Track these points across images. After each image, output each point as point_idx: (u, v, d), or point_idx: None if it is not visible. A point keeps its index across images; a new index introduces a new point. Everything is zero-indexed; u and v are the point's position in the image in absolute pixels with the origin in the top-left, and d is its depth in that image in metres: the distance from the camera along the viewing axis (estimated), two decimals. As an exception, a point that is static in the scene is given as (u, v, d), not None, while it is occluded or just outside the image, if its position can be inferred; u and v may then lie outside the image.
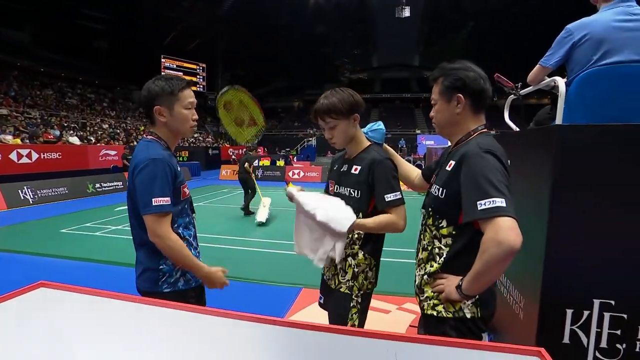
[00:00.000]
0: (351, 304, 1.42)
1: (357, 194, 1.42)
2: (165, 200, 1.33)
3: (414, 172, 1.61)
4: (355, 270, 1.42)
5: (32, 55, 20.39)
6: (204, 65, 29.96)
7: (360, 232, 1.40)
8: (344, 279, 1.44)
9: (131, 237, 1.50)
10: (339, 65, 33.36)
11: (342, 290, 1.44)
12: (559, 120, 1.59)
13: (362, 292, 1.43)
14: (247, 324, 0.99)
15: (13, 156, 9.85)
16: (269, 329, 0.97)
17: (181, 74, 28.80)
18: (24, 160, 10.08)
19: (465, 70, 1.15)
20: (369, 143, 1.49)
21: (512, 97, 2.18)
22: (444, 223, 1.16)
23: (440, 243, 1.17)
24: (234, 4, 23.70)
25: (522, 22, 22.41)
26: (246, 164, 7.43)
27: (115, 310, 1.11)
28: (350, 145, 1.49)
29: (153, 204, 1.30)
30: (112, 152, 13.44)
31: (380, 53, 32.14)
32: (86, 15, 21.44)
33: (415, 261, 1.32)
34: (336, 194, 1.51)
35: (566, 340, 1.34)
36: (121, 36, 24.08)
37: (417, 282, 1.27)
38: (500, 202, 0.95)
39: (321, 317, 1.69)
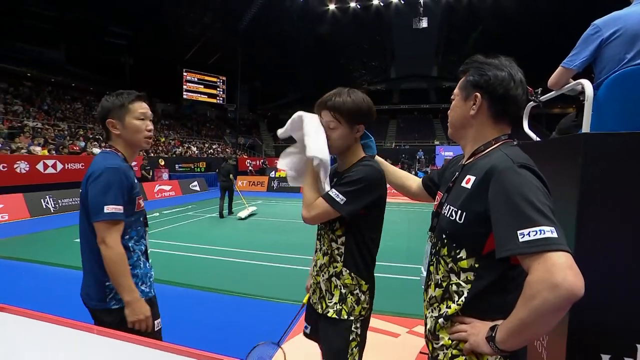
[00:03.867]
0: (350, 337, 1.24)
1: None
2: (117, 209, 1.34)
3: (410, 180, 1.44)
4: (343, 291, 1.26)
5: (65, 72, 21.70)
6: (224, 78, 30.80)
7: (340, 247, 1.27)
8: (330, 302, 1.28)
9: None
10: (357, 76, 33.46)
11: (329, 315, 1.27)
12: (585, 127, 1.39)
13: (352, 317, 1.25)
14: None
15: (40, 166, 10.25)
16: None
17: (202, 86, 29.74)
18: (50, 170, 10.47)
19: (495, 68, 0.96)
20: (363, 155, 1.34)
21: (531, 104, 1.98)
22: (462, 253, 0.94)
23: (459, 278, 0.95)
24: (253, 17, 24.34)
25: (541, 27, 21.81)
26: (230, 175, 8.59)
27: (73, 341, 1.01)
28: (343, 158, 1.34)
29: (105, 210, 1.31)
30: (132, 163, 13.79)
31: (398, 64, 32.05)
32: (112, 32, 22.62)
33: (424, 297, 1.10)
34: None
35: (601, 391, 1.11)
36: (145, 51, 25.19)
37: (429, 326, 1.04)
38: (549, 231, 0.74)
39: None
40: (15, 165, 9.62)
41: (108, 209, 1.32)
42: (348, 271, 1.26)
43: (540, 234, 0.74)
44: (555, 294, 0.71)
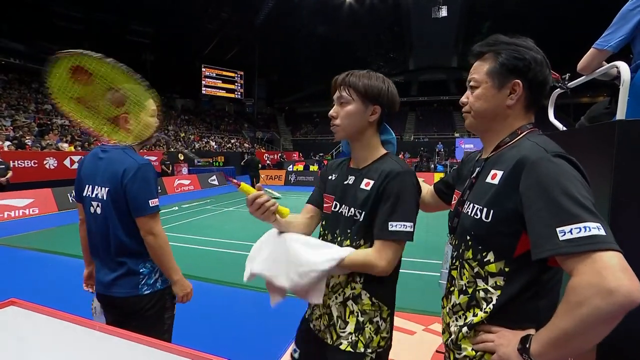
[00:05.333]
0: None
1: (363, 217, 1.06)
2: (157, 201, 1.44)
3: (425, 188, 1.26)
4: (360, 319, 1.05)
5: (89, 70, 22.45)
6: (241, 72, 31.06)
7: None
8: (343, 332, 1.06)
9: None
10: (375, 69, 32.81)
11: (342, 347, 1.05)
12: (620, 114, 1.26)
13: (370, 349, 1.04)
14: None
15: (67, 162, 10.72)
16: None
17: (220, 81, 30.12)
18: (76, 166, 10.91)
19: (530, 50, 0.85)
20: (385, 151, 1.15)
21: (557, 91, 1.83)
22: (490, 256, 0.84)
23: (487, 284, 0.85)
24: (269, 12, 24.32)
25: (567, 18, 20.62)
26: (259, 165, 10.59)
27: (80, 338, 1.01)
28: (359, 149, 1.15)
29: (150, 205, 1.40)
30: (153, 158, 14.17)
31: (416, 55, 31.31)
32: (134, 30, 23.18)
33: (443, 303, 1.00)
34: (335, 215, 1.15)
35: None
36: (165, 48, 25.71)
37: (451, 337, 0.93)
38: (595, 228, 0.64)
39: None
40: (45, 161, 10.08)
41: (153, 202, 1.41)
42: (369, 295, 1.05)
43: (585, 231, 0.65)
44: (609, 301, 0.61)
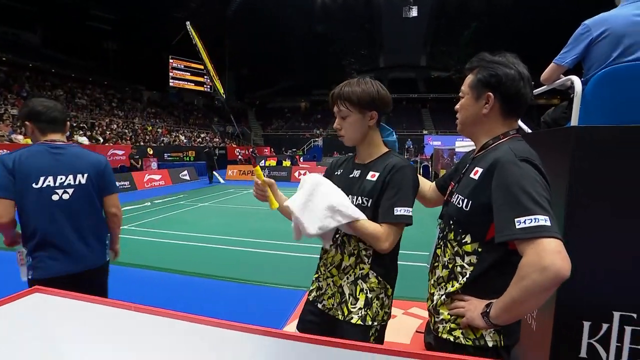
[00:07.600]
0: (371, 340, 1.20)
1: (370, 204, 1.21)
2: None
3: (427, 185, 1.43)
4: (369, 295, 1.20)
5: (43, 56, 20.78)
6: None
7: (369, 249, 1.21)
8: (354, 307, 1.19)
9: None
10: (346, 65, 33.29)
11: (353, 321, 1.19)
12: (574, 121, 1.52)
13: (376, 322, 1.20)
14: (240, 335, 0.94)
15: (23, 156, 9.97)
16: (260, 340, 0.92)
17: (189, 74, 29.06)
18: (34, 159, 10.19)
19: (505, 67, 1.00)
20: (388, 149, 1.31)
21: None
22: (467, 238, 1.02)
23: (463, 261, 1.03)
24: (241, 3, 23.79)
25: (531, 20, 22.05)
26: (214, 158, 14.21)
27: (108, 318, 1.07)
28: (364, 148, 1.30)
29: (117, 185, 1.86)
30: (120, 152, 13.57)
31: (386, 53, 32.03)
32: (95, 16, 21.76)
33: (429, 276, 1.18)
34: None
35: (583, 354, 1.26)
36: (130, 37, 24.41)
37: (433, 303, 1.12)
38: (543, 220, 0.82)
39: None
40: (-2, 155, 9.33)
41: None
42: (375, 274, 1.21)
43: (535, 221, 0.82)
44: (543, 276, 0.79)
